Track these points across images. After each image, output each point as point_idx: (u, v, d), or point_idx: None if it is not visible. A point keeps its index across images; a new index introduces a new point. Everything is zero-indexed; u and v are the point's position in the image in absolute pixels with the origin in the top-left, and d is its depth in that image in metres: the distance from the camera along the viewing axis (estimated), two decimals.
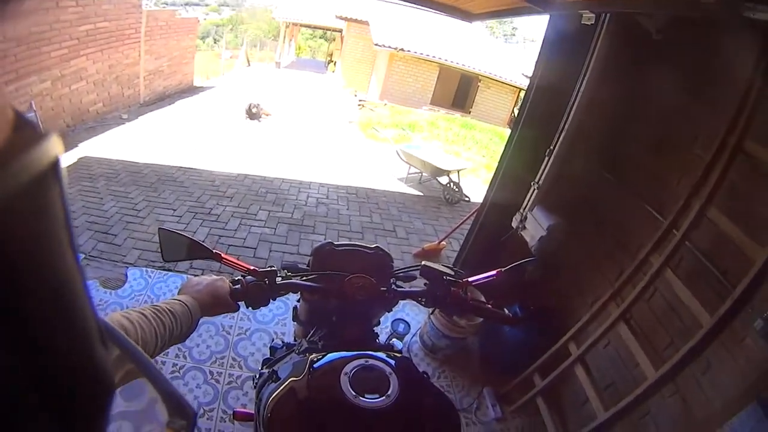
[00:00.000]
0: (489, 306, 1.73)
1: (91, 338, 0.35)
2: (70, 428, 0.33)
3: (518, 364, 3.39)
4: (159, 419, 0.62)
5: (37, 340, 0.29)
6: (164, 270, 4.21)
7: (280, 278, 1.49)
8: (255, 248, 5.01)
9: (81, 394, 0.35)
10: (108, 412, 0.38)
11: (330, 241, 1.69)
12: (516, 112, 19.03)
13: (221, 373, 3.22)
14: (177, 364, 3.19)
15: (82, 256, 4.19)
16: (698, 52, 2.72)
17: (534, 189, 3.45)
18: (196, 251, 1.46)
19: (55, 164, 0.28)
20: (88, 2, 7.76)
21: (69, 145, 6.95)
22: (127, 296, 3.81)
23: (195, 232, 5.01)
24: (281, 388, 1.19)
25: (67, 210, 0.31)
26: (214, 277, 1.37)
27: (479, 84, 19.03)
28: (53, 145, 0.28)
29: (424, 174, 8.32)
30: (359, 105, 15.84)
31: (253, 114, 10.93)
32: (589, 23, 2.99)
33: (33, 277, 0.28)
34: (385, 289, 1.59)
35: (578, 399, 2.98)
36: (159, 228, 1.48)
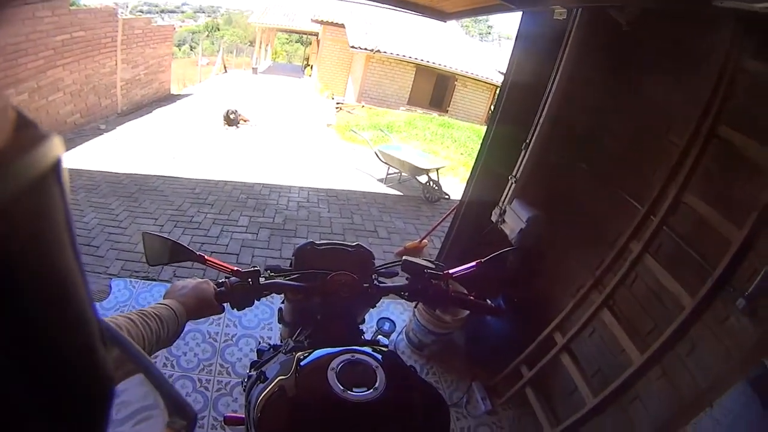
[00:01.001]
0: (471, 297, 1.74)
1: (92, 339, 0.36)
2: (71, 428, 0.34)
3: (505, 356, 3.40)
4: (159, 419, 0.63)
5: (38, 341, 0.29)
6: (148, 280, 4.18)
7: (263, 278, 1.49)
8: (238, 254, 5.02)
9: (82, 394, 0.35)
10: (108, 412, 0.39)
11: (311, 240, 1.69)
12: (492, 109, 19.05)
13: (210, 380, 3.21)
14: (165, 374, 3.16)
15: None
16: (669, 41, 2.75)
17: (512, 183, 3.45)
18: (179, 254, 1.45)
19: (57, 165, 0.29)
20: (64, 12, 7.69)
21: None
22: (112, 307, 3.77)
23: (177, 239, 4.87)
24: (269, 387, 1.19)
25: (68, 210, 0.31)
26: (198, 280, 1.37)
27: (456, 83, 18.98)
28: (55, 146, 0.29)
29: (403, 174, 8.36)
30: (337, 108, 15.80)
31: (231, 120, 10.84)
32: (561, 18, 3.00)
33: (34, 278, 0.28)
34: (367, 285, 1.59)
35: (567, 387, 2.99)
36: (143, 232, 1.47)
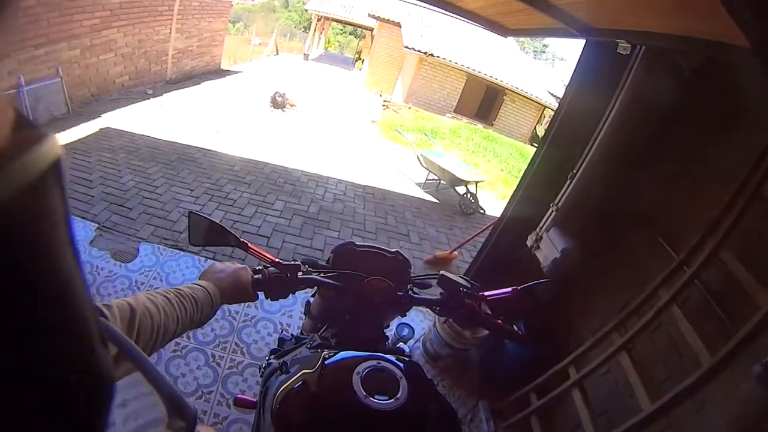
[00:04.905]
0: (499, 322, 1.72)
1: (92, 339, 0.37)
2: (71, 429, 0.34)
3: (516, 381, 3.38)
4: (159, 420, 0.64)
5: (39, 342, 0.30)
6: (176, 249, 4.22)
7: (301, 273, 1.49)
8: (269, 237, 5.04)
9: (81, 395, 0.35)
10: (108, 412, 0.40)
11: (351, 240, 1.70)
12: (539, 129, 19.00)
13: (223, 357, 3.23)
14: (180, 344, 3.19)
15: (96, 226, 4.22)
16: (728, 94, 2.71)
17: (552, 210, 3.44)
18: (223, 238, 1.46)
19: (56, 165, 0.29)
20: None
21: (92, 114, 7.05)
22: (137, 270, 3.82)
23: (210, 215, 4.95)
24: (292, 380, 1.19)
25: (68, 211, 0.32)
26: (237, 265, 1.37)
27: (505, 97, 18.92)
28: (54, 146, 0.29)
29: (442, 181, 8.30)
30: (383, 105, 15.86)
31: (277, 103, 10.96)
32: (624, 53, 2.99)
33: (34, 279, 0.28)
34: (401, 293, 1.59)
35: (571, 423, 2.97)
36: (189, 212, 1.47)
